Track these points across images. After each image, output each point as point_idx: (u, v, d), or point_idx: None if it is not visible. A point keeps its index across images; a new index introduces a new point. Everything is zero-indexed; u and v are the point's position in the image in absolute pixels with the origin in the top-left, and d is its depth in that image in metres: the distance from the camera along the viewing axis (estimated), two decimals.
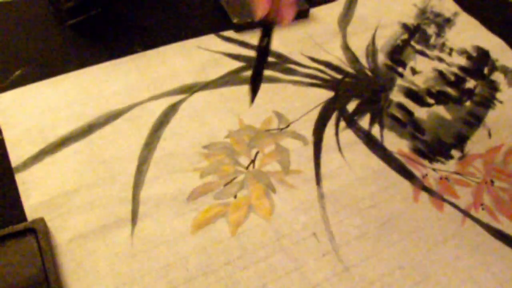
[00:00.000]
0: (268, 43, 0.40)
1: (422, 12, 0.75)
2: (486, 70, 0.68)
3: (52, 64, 0.62)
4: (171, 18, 0.70)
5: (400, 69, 0.66)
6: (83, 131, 0.55)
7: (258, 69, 0.42)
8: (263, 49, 0.40)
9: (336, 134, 0.58)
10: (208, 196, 0.51)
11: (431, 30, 0.72)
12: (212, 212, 0.50)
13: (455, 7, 0.77)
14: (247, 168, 0.54)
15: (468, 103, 0.63)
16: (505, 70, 0.68)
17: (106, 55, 0.63)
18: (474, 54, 0.70)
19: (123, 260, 0.46)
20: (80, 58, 0.63)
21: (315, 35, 0.69)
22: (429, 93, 0.64)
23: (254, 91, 0.44)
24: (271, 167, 0.54)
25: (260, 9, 0.37)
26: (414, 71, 0.66)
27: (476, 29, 0.74)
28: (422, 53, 0.69)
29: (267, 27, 0.39)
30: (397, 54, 0.68)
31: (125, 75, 0.61)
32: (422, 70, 0.66)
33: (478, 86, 0.65)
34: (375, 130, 0.59)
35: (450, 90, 0.64)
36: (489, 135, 0.60)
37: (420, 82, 0.65)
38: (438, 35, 0.72)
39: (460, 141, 0.59)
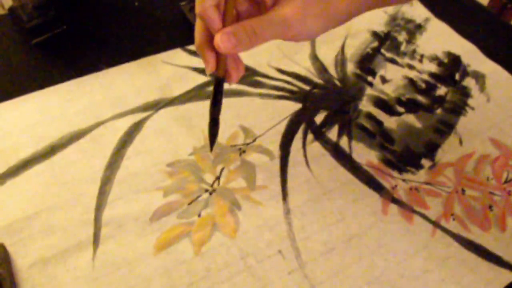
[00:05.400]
0: (221, 98, 0.39)
1: (393, 19, 0.74)
2: (457, 76, 0.67)
3: (16, 84, 0.61)
4: (137, 33, 0.69)
5: (369, 78, 0.65)
6: (45, 153, 0.54)
7: (214, 115, 0.41)
8: (217, 102, 0.40)
9: (304, 147, 0.57)
10: (172, 216, 0.50)
11: (401, 37, 0.72)
12: (175, 232, 0.49)
13: (427, 13, 0.76)
14: (212, 185, 0.53)
15: (439, 111, 0.62)
16: (476, 75, 0.67)
17: (70, 73, 0.62)
18: (445, 60, 0.69)
19: (84, 285, 0.45)
20: (44, 77, 0.62)
21: (283, 46, 0.68)
22: (399, 101, 0.63)
23: (213, 138, 0.43)
24: (237, 183, 0.53)
25: (208, 67, 0.37)
26: (384, 80, 0.65)
27: (447, 35, 0.73)
28: (392, 61, 0.68)
29: (218, 83, 0.38)
30: (366, 63, 0.67)
31: (89, 94, 0.60)
32: (392, 78, 0.65)
33: (449, 92, 0.65)
34: (343, 142, 0.58)
35: (420, 98, 0.63)
36: (460, 142, 0.59)
37: (390, 90, 0.64)
38: (409, 42, 0.71)
39: (431, 150, 0.58)
